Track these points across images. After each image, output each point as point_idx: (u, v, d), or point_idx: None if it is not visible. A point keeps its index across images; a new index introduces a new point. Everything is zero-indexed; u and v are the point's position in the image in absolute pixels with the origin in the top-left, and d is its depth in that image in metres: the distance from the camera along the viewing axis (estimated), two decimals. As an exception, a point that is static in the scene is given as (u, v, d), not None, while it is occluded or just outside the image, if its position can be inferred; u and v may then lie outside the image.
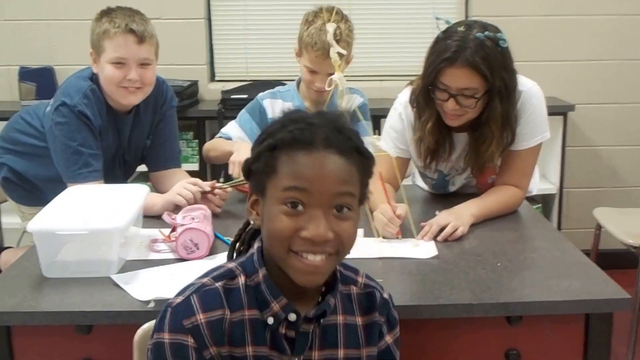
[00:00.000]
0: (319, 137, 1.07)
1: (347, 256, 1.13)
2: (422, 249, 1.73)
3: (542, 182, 3.05)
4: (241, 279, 1.13)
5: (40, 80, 3.57)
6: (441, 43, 1.84)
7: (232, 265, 1.15)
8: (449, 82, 1.82)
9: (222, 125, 3.27)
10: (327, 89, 1.83)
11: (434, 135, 1.96)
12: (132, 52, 2.04)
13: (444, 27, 1.89)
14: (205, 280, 1.13)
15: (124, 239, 1.67)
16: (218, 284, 1.12)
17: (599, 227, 3.09)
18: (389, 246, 1.75)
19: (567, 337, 1.51)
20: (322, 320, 1.15)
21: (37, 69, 3.58)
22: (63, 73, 3.56)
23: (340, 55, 1.81)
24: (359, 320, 1.20)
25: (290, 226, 1.06)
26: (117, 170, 2.27)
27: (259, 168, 1.11)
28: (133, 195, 1.80)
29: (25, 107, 3.37)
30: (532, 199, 2.28)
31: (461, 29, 1.83)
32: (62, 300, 1.47)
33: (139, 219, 1.82)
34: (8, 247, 2.72)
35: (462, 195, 2.07)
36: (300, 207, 1.06)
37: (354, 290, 1.21)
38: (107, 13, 2.07)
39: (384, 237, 1.79)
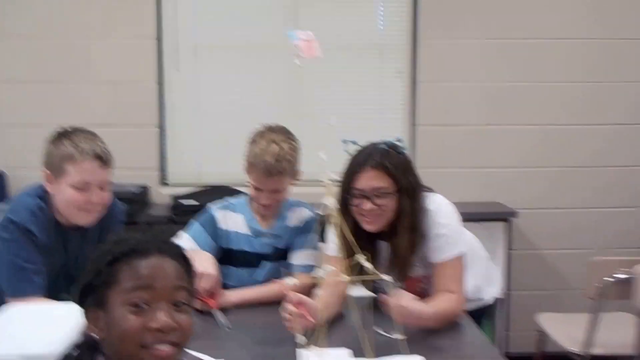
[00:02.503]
0: (153, 246, 1.25)
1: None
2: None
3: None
4: None
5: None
6: (351, 159, 2.06)
7: None
8: (363, 185, 2.02)
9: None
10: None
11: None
12: (97, 176, 2.08)
13: (351, 148, 2.08)
14: None
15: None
16: None
17: (543, 333, 3.14)
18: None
19: None
20: None
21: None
22: (15, 178, 3.60)
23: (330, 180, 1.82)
24: None
25: (138, 322, 1.19)
26: (61, 285, 2.23)
27: (99, 282, 1.22)
28: (67, 317, 1.74)
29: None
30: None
31: (366, 145, 2.07)
32: None
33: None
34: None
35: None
36: (145, 306, 1.20)
37: None
38: (65, 135, 2.08)
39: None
